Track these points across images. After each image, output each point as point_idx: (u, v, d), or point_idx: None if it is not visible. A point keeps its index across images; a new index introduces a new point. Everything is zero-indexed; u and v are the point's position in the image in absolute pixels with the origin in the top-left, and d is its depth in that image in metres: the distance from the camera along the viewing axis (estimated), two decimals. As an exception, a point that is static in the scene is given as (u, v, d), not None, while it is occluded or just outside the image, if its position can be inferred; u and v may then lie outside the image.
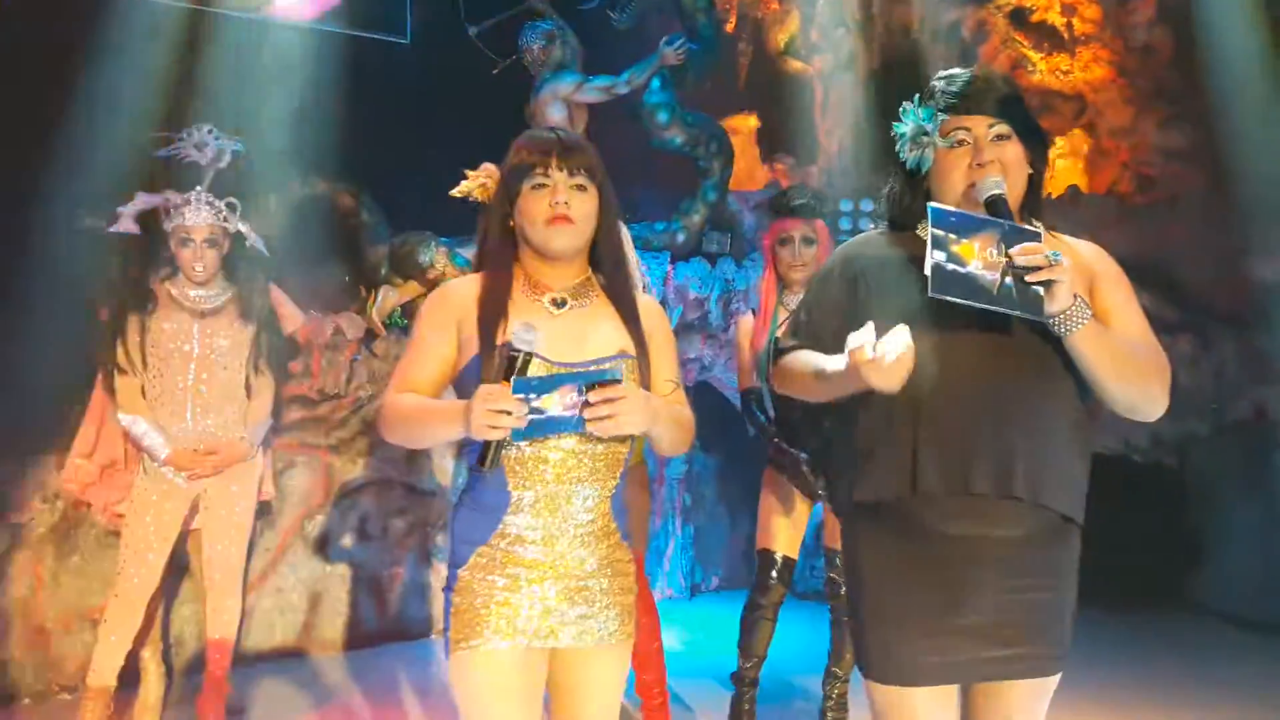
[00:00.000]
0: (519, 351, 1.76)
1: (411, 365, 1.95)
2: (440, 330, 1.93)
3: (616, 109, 5.91)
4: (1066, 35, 6.68)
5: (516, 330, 1.78)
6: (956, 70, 1.98)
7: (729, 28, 7.08)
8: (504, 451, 1.81)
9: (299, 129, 4.88)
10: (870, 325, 1.77)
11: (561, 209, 1.89)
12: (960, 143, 1.90)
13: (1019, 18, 6.78)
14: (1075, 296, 1.76)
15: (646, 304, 2.05)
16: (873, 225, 2.16)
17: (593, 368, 1.85)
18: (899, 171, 2.00)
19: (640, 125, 5.97)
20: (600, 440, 1.85)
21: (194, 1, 4.93)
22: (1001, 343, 1.83)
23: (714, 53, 6.46)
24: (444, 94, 5.38)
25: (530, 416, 1.72)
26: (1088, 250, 1.98)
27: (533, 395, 1.72)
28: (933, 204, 1.79)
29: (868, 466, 1.91)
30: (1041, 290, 1.73)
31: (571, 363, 1.87)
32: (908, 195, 1.99)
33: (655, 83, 5.89)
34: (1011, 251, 1.73)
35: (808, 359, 1.98)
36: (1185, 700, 4.16)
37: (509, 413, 1.70)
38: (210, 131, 3.59)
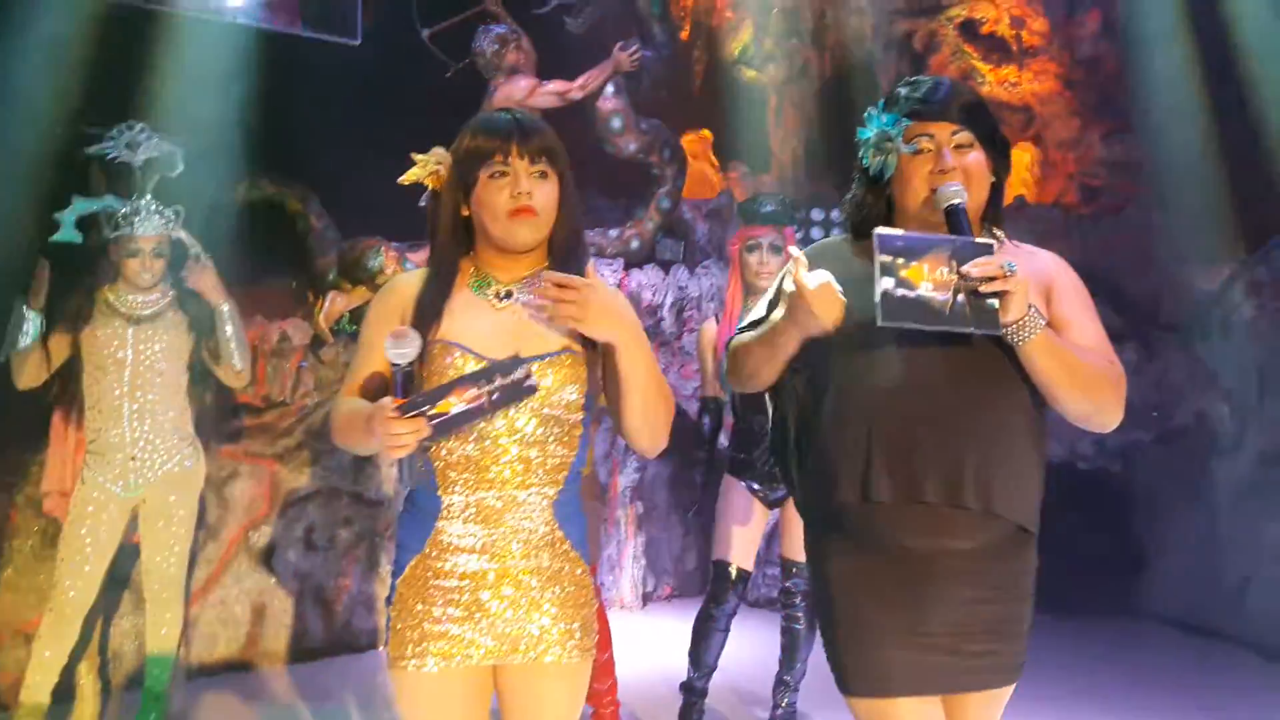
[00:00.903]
0: (397, 366, 1.70)
1: (357, 366, 1.87)
2: (383, 327, 1.81)
3: (570, 114, 5.89)
4: (1015, 48, 6.78)
5: (386, 344, 1.70)
6: (922, 77, 1.98)
7: (683, 36, 7.09)
8: (421, 460, 1.76)
9: (246, 131, 4.79)
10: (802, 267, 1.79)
11: (524, 200, 1.78)
12: (923, 149, 1.88)
13: (969, 30, 6.87)
14: (1030, 306, 1.75)
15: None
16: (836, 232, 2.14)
17: (496, 368, 1.72)
18: (861, 178, 1.97)
19: (594, 131, 5.95)
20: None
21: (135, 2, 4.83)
22: (956, 352, 1.82)
23: (668, 60, 6.47)
24: (395, 97, 5.32)
25: (434, 423, 1.67)
26: (1047, 259, 1.97)
27: (427, 406, 1.66)
28: (879, 230, 1.76)
29: (825, 477, 1.91)
30: (996, 303, 1.72)
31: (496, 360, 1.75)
32: (870, 202, 1.97)
33: (609, 89, 5.87)
34: (965, 268, 1.71)
35: (754, 332, 1.97)
36: (1129, 704, 4.21)
37: (406, 430, 1.64)
38: (142, 130, 3.48)
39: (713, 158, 7.20)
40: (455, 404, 1.67)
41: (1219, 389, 5.29)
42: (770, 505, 3.67)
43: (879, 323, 1.73)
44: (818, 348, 1.88)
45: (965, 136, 1.88)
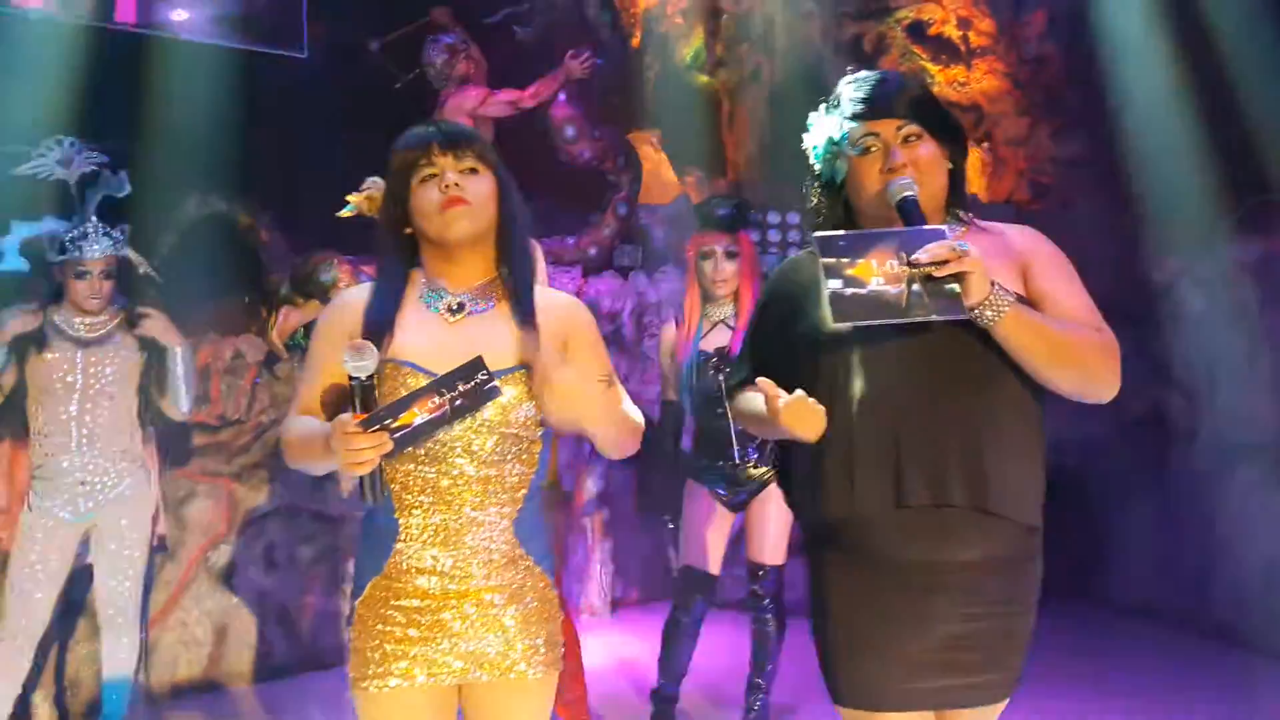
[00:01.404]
0: (357, 380, 1.65)
1: (306, 384, 1.84)
2: (333, 343, 1.79)
3: (523, 123, 5.87)
4: (963, 48, 6.85)
5: (345, 356, 1.65)
6: (862, 74, 1.93)
7: (634, 43, 7.09)
8: (383, 479, 1.71)
9: (194, 146, 4.72)
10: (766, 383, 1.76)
11: (454, 190, 1.76)
12: (870, 149, 1.84)
13: (917, 31, 6.93)
14: (993, 284, 1.69)
15: (558, 303, 1.91)
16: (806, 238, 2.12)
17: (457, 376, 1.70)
18: (817, 185, 1.95)
19: (547, 140, 5.94)
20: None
21: (80, 16, 4.75)
22: (936, 348, 1.76)
23: (620, 67, 6.47)
24: (344, 109, 5.29)
25: (395, 436, 1.63)
26: (1021, 235, 1.92)
27: (389, 420, 1.63)
28: (817, 234, 1.74)
29: (814, 487, 1.86)
30: (956, 286, 1.67)
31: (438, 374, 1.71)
32: (827, 208, 1.94)
33: (561, 97, 5.87)
34: (916, 255, 1.67)
35: (751, 403, 1.93)
36: (1090, 689, 4.26)
37: (367, 446, 1.60)
38: (73, 145, 3.41)
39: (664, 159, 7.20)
40: (418, 415, 1.63)
41: (1172, 381, 5.37)
42: (734, 509, 3.67)
43: (830, 324, 1.69)
44: (802, 365, 1.85)
45: (912, 129, 1.84)
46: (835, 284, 1.68)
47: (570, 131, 5.94)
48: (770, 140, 6.89)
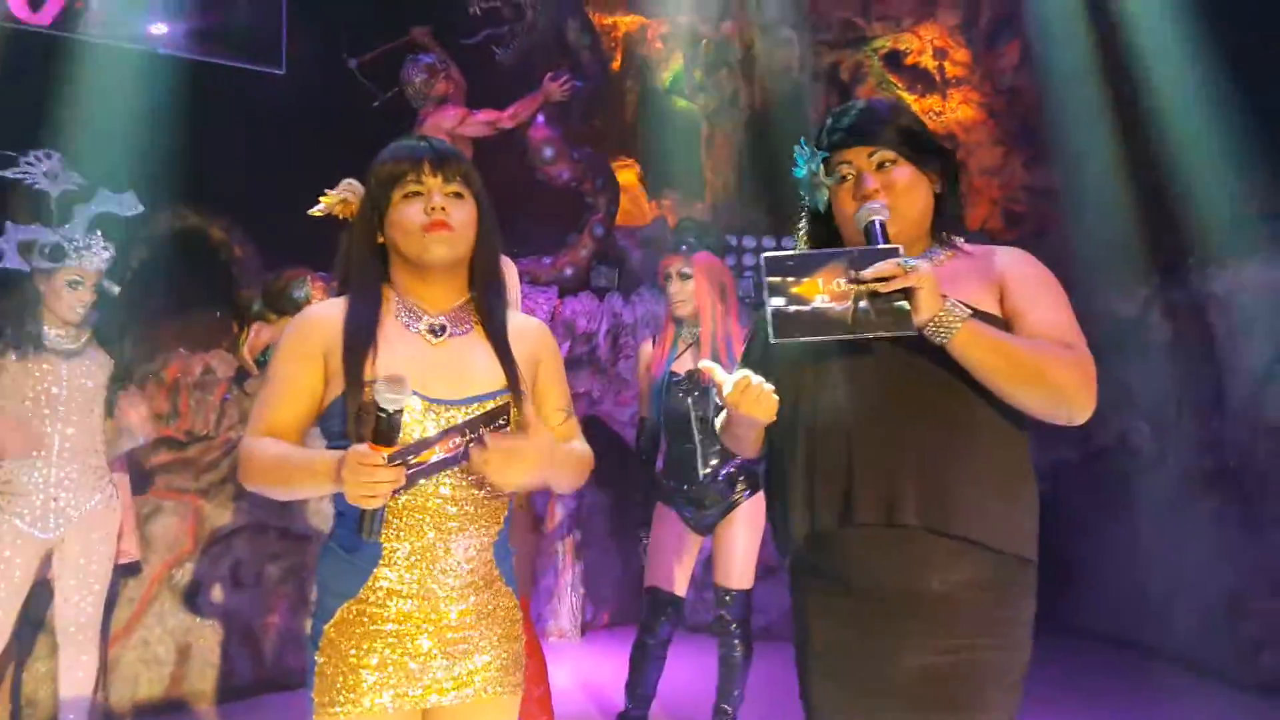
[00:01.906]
0: (386, 411, 1.56)
1: (272, 403, 1.75)
2: (303, 361, 1.74)
3: (502, 143, 5.89)
4: (938, 78, 6.94)
5: (380, 387, 1.56)
6: (847, 104, 1.95)
7: (615, 66, 7.14)
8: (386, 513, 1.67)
9: (170, 160, 4.70)
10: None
11: (439, 214, 1.74)
12: (845, 178, 1.86)
13: (894, 61, 7.02)
14: (944, 298, 1.67)
15: (530, 327, 1.91)
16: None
17: (475, 409, 1.71)
18: (807, 214, 1.96)
19: (525, 160, 5.95)
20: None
21: (55, 28, 4.73)
22: (889, 367, 1.75)
23: (601, 90, 6.51)
24: (321, 126, 5.28)
25: (410, 472, 1.60)
26: (1003, 255, 1.89)
27: (410, 456, 1.59)
28: (764, 255, 1.74)
29: (782, 506, 1.86)
30: (906, 304, 1.65)
31: (449, 400, 1.72)
32: (816, 234, 1.95)
33: (540, 118, 5.89)
34: (862, 273, 1.66)
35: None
36: (1056, 716, 4.27)
37: (386, 480, 1.56)
38: (59, 161, 3.45)
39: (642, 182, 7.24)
40: (436, 453, 1.62)
41: (1139, 409, 5.43)
42: (701, 532, 3.67)
43: (771, 340, 1.69)
44: (777, 388, 1.83)
45: (886, 155, 1.84)
46: (778, 302, 1.68)
47: (549, 152, 5.96)
48: (748, 164, 6.94)
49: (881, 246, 1.73)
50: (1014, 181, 6.77)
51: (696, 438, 3.59)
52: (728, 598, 3.59)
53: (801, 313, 1.68)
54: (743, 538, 3.57)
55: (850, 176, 1.86)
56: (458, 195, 1.79)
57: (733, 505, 3.59)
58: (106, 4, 4.97)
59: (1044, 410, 1.72)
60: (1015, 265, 1.84)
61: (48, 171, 3.41)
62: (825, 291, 1.68)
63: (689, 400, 3.59)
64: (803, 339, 1.69)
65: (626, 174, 6.83)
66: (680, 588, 3.64)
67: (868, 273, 1.66)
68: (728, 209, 6.95)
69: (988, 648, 1.72)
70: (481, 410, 1.70)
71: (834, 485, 1.76)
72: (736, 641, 3.59)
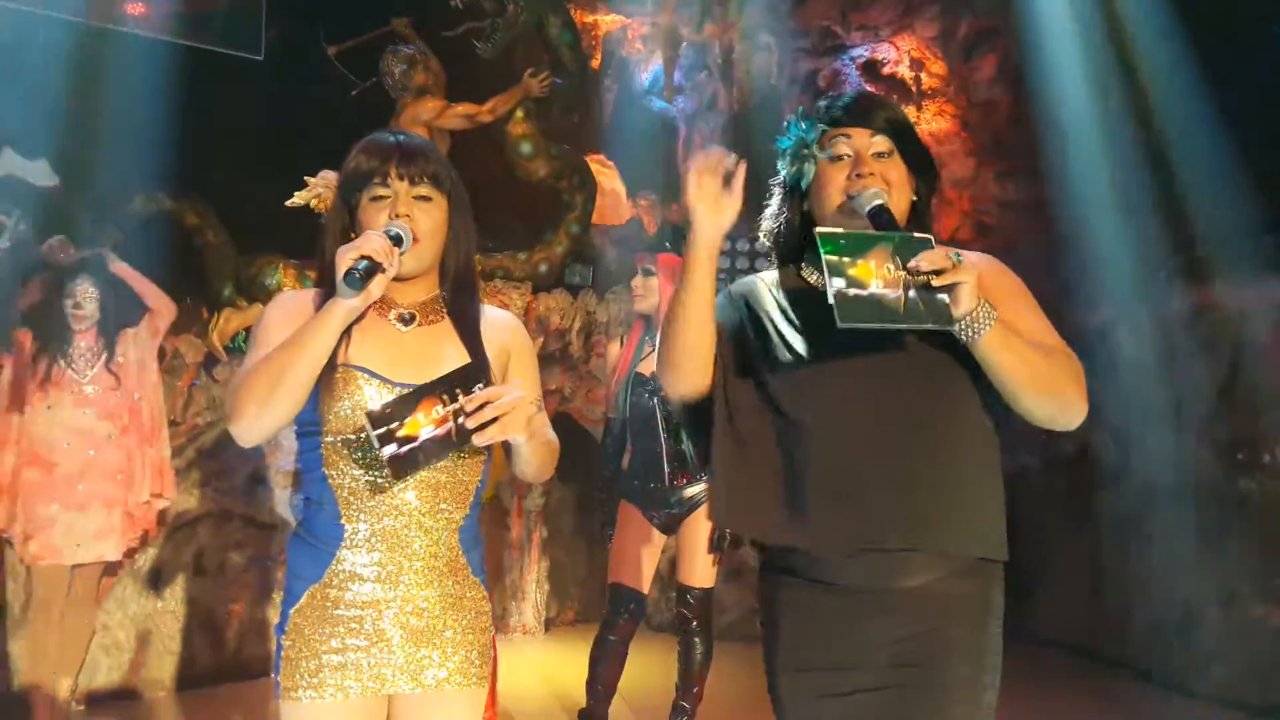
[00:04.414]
0: (390, 232, 1.69)
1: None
2: (284, 334, 1.72)
3: (480, 138, 5.88)
4: (914, 89, 7.01)
5: (390, 224, 1.71)
6: (843, 91, 1.95)
7: (594, 64, 7.14)
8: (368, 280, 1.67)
9: (144, 143, 4.66)
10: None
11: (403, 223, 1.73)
12: (840, 155, 1.80)
13: (871, 70, 7.08)
14: (979, 298, 1.63)
15: (503, 320, 1.90)
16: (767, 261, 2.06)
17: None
18: (783, 189, 1.90)
19: (503, 155, 5.95)
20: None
21: (33, 7, 4.68)
22: (876, 380, 1.71)
23: (580, 88, 6.51)
24: (298, 114, 5.26)
25: (405, 449, 1.60)
26: (981, 262, 1.86)
27: (395, 424, 1.60)
28: (820, 229, 1.65)
29: (752, 509, 1.81)
30: (946, 297, 1.61)
31: (416, 385, 1.68)
32: (786, 214, 1.89)
33: (519, 113, 5.89)
34: (915, 262, 1.61)
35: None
36: (1017, 726, 4.33)
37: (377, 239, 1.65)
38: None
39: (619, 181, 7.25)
40: (423, 427, 1.61)
41: (1103, 422, 5.50)
42: (665, 530, 3.69)
43: (839, 325, 1.60)
44: (746, 380, 1.81)
45: (884, 144, 1.81)
46: (839, 282, 1.60)
47: (526, 148, 5.96)
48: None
49: (919, 235, 1.67)
50: (985, 194, 6.84)
51: (662, 438, 3.61)
52: (689, 596, 3.62)
53: (861, 297, 1.60)
54: (706, 537, 3.59)
55: (846, 155, 1.81)
56: (425, 198, 1.77)
57: (696, 504, 3.61)
58: (84, -16, 4.91)
59: (1047, 415, 1.72)
60: (992, 274, 1.81)
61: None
62: (878, 276, 1.60)
63: (654, 400, 3.62)
64: (865, 325, 1.61)
65: (608, 175, 6.84)
66: (645, 584, 3.66)
67: (924, 264, 1.60)
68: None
69: (956, 625, 1.75)
70: (459, 369, 1.66)
71: (817, 502, 1.72)
72: (697, 640, 3.62)
